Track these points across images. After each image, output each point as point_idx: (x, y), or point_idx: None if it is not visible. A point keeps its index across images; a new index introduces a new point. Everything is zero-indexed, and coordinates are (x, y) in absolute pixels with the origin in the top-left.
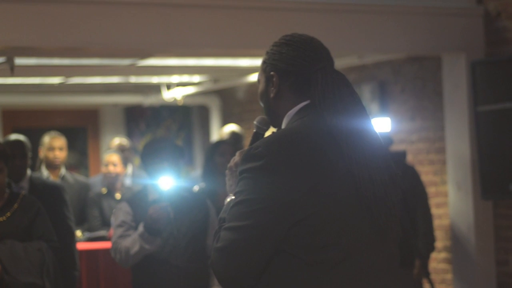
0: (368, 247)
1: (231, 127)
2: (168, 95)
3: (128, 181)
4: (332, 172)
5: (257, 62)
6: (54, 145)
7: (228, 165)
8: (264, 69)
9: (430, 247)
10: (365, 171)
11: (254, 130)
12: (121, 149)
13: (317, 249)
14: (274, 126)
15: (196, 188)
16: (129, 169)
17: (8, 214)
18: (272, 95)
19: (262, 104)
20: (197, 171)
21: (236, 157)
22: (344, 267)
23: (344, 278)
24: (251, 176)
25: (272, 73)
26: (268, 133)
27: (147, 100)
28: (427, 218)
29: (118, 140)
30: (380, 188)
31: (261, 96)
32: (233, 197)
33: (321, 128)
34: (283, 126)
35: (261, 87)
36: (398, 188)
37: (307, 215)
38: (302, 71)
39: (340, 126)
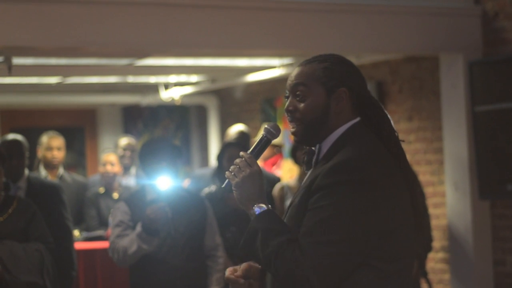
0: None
1: (239, 127)
2: (165, 95)
3: (132, 182)
4: (401, 184)
5: (255, 62)
6: (52, 145)
7: (246, 173)
8: (324, 83)
9: (427, 247)
10: (417, 187)
11: (263, 134)
12: (130, 149)
13: (394, 260)
14: (315, 140)
15: (206, 190)
16: (133, 169)
17: (5, 216)
18: (338, 110)
19: (308, 117)
20: (207, 169)
21: (247, 158)
22: (407, 276)
23: (407, 286)
24: (346, 189)
25: (343, 89)
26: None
27: (145, 100)
28: (425, 218)
29: (127, 140)
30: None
31: (313, 109)
32: (264, 208)
33: (385, 146)
34: (330, 141)
35: (315, 100)
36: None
37: (393, 228)
38: (363, 91)
39: (392, 143)
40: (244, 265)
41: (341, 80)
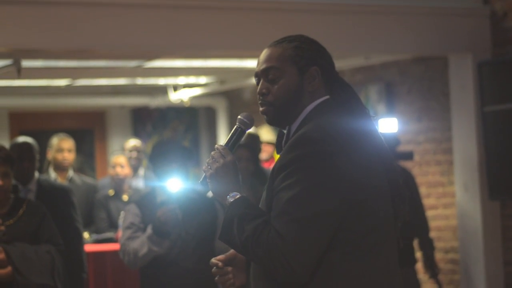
0: (393, 235)
1: None
2: (174, 97)
3: (140, 183)
4: (370, 159)
5: None
6: (63, 146)
7: (220, 164)
8: (296, 62)
9: (430, 245)
10: (390, 162)
11: (237, 125)
12: (136, 150)
13: (362, 234)
14: (287, 121)
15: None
16: (141, 171)
17: (15, 218)
18: (311, 89)
19: (280, 99)
20: None
21: (221, 149)
22: (383, 253)
23: (382, 264)
24: (308, 162)
25: (314, 67)
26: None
27: (154, 102)
28: (421, 215)
29: (133, 142)
30: (397, 178)
31: (287, 90)
32: (238, 195)
33: (353, 123)
34: (298, 121)
35: (288, 80)
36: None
37: (360, 200)
38: (333, 70)
39: (364, 120)
40: (230, 252)
41: (312, 58)
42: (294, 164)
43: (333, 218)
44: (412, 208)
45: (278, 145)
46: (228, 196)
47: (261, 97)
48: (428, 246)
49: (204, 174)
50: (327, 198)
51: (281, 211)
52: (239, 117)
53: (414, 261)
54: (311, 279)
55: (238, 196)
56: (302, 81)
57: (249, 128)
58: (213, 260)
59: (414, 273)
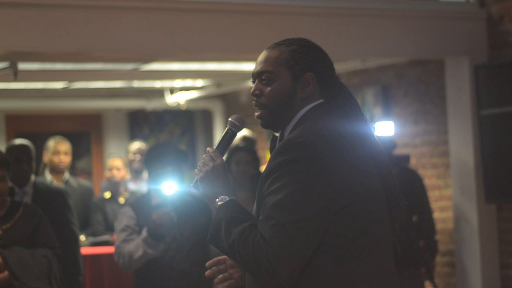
0: (388, 238)
1: (243, 132)
2: (171, 100)
3: (144, 186)
4: (363, 162)
5: None
6: (60, 149)
7: (209, 167)
8: (291, 66)
9: (433, 250)
10: (386, 167)
11: (227, 127)
12: (140, 153)
13: (351, 238)
14: (279, 124)
15: None
16: (145, 174)
17: (12, 222)
18: (304, 95)
19: (273, 102)
20: None
21: (211, 152)
22: (373, 257)
23: (373, 268)
24: (293, 167)
25: (309, 73)
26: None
27: (150, 105)
28: (429, 220)
29: (137, 144)
30: (393, 183)
31: (279, 94)
32: (226, 198)
33: (346, 126)
34: (291, 125)
35: (281, 84)
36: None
37: (348, 203)
38: (331, 76)
39: (360, 125)
40: None
41: (308, 64)
42: (280, 169)
43: (318, 222)
44: (417, 209)
45: (271, 149)
46: (217, 199)
47: (254, 98)
48: (431, 249)
49: (195, 177)
50: (311, 202)
51: (266, 215)
52: (229, 119)
53: (419, 263)
54: (299, 283)
55: (226, 200)
56: (295, 86)
57: (240, 130)
58: (218, 258)
59: (418, 275)
